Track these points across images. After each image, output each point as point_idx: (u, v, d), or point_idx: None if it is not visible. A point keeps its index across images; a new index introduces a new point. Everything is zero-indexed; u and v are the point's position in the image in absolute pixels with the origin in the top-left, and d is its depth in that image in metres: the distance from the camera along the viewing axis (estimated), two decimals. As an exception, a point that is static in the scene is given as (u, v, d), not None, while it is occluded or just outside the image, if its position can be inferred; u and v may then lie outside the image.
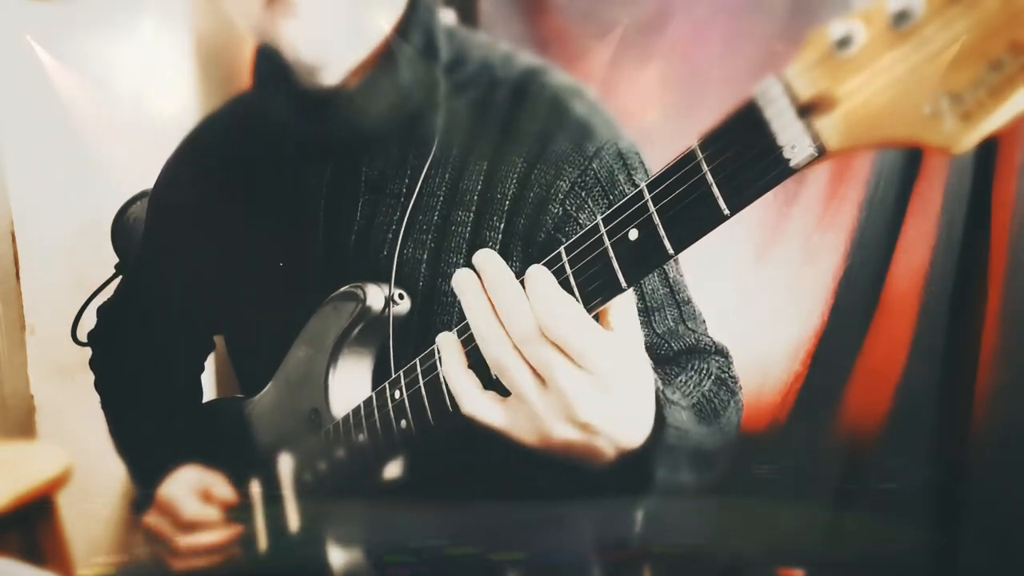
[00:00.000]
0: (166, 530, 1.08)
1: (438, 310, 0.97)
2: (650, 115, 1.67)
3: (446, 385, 0.78)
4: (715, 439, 0.87)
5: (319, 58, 0.95)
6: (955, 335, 1.65)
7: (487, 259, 0.69)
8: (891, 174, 1.71)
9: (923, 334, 1.68)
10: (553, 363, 0.65)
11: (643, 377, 0.71)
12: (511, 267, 0.93)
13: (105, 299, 1.36)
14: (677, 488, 0.79)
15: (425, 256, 0.97)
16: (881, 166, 1.72)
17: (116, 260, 1.58)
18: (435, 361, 0.80)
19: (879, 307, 1.73)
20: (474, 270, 0.70)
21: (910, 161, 1.70)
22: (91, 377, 1.35)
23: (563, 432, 0.68)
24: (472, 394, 0.71)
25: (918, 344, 1.68)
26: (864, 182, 1.73)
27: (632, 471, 0.74)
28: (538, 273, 0.67)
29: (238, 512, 1.09)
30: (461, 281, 0.69)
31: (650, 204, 0.62)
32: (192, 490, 1.09)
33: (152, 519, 1.10)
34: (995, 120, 0.48)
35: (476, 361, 0.72)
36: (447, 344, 0.73)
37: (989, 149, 1.59)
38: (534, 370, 0.67)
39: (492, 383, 0.72)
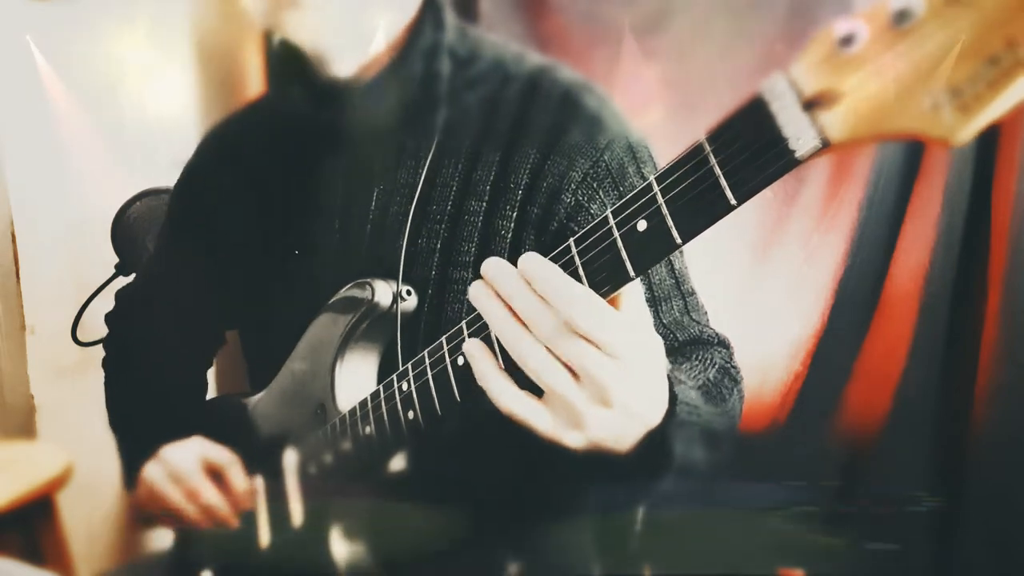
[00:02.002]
0: (173, 494, 1.08)
1: (450, 298, 0.98)
2: (651, 115, 1.67)
3: (454, 377, 0.80)
4: (722, 420, 0.89)
5: (325, 48, 0.97)
6: (955, 335, 1.66)
7: (495, 267, 0.70)
8: (891, 174, 1.72)
9: (923, 334, 1.68)
10: (584, 355, 0.66)
11: (659, 354, 0.72)
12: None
13: (119, 288, 1.36)
14: (692, 468, 0.80)
15: (438, 246, 0.99)
16: (881, 166, 1.72)
17: (116, 260, 1.59)
18: (444, 353, 0.81)
19: (879, 307, 1.73)
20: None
21: (910, 161, 1.70)
22: (91, 377, 1.36)
23: (600, 418, 0.69)
24: (512, 396, 0.72)
25: (918, 344, 1.68)
26: (864, 182, 1.73)
27: (652, 450, 0.75)
28: (548, 271, 0.68)
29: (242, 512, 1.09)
30: (477, 293, 0.71)
31: (659, 196, 0.64)
32: (203, 466, 1.09)
33: (158, 483, 1.09)
34: (992, 112, 0.49)
35: (506, 363, 0.72)
36: (476, 350, 0.74)
37: (989, 148, 1.59)
38: (565, 365, 0.68)
39: (525, 383, 0.72)
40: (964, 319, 1.64)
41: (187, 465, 1.08)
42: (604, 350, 0.66)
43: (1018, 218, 1.55)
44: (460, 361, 0.79)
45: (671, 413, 0.74)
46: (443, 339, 0.82)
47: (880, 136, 0.53)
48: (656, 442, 0.74)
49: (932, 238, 1.67)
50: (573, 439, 0.71)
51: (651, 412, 0.73)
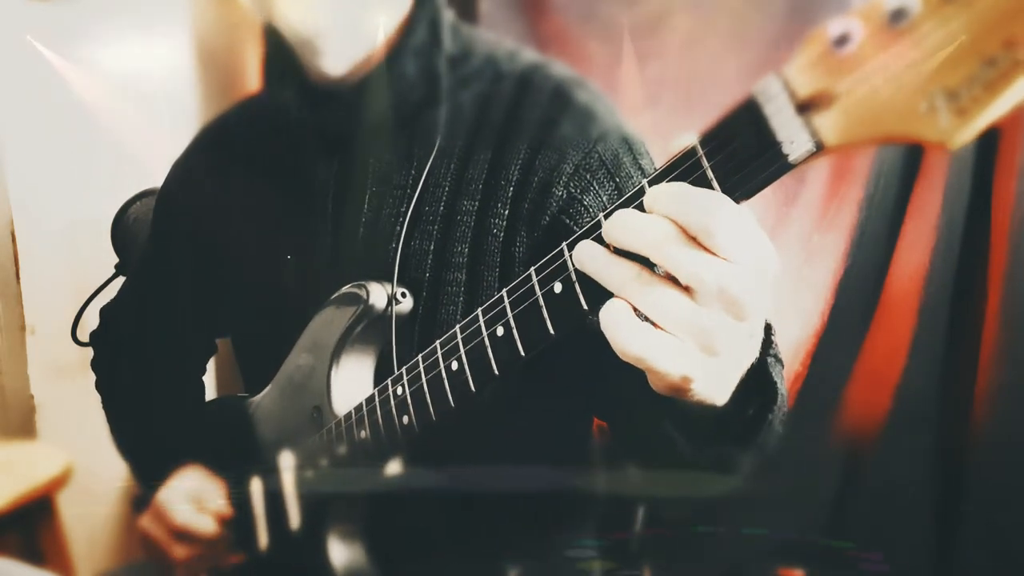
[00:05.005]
0: (158, 534, 1.09)
1: (444, 301, 0.97)
2: (649, 115, 1.67)
3: (448, 382, 0.79)
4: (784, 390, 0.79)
5: (315, 34, 0.95)
6: (955, 335, 1.65)
7: (620, 221, 0.59)
8: (891, 174, 1.71)
9: (923, 334, 1.68)
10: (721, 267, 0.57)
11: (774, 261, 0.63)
12: (516, 252, 0.94)
13: (107, 300, 1.36)
14: (773, 431, 0.74)
15: (432, 247, 0.98)
16: (881, 166, 1.72)
17: (116, 260, 1.58)
18: (438, 357, 0.81)
19: (879, 307, 1.73)
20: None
21: (910, 161, 1.70)
22: (91, 377, 1.35)
23: (730, 333, 0.58)
24: (634, 330, 0.58)
25: (918, 344, 1.68)
26: (864, 182, 1.73)
27: (754, 387, 0.67)
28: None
29: (239, 510, 1.10)
30: (585, 256, 0.62)
31: None
32: (187, 497, 1.09)
33: (146, 522, 1.11)
34: (990, 115, 0.48)
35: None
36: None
37: (989, 149, 1.59)
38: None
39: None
40: (964, 319, 1.64)
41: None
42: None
43: (1018, 218, 1.54)
44: (454, 366, 0.79)
45: (767, 344, 0.66)
46: (437, 344, 0.81)
47: (875, 139, 0.52)
48: (758, 376, 0.66)
49: (932, 238, 1.67)
50: (698, 369, 0.59)
51: (754, 338, 0.64)
